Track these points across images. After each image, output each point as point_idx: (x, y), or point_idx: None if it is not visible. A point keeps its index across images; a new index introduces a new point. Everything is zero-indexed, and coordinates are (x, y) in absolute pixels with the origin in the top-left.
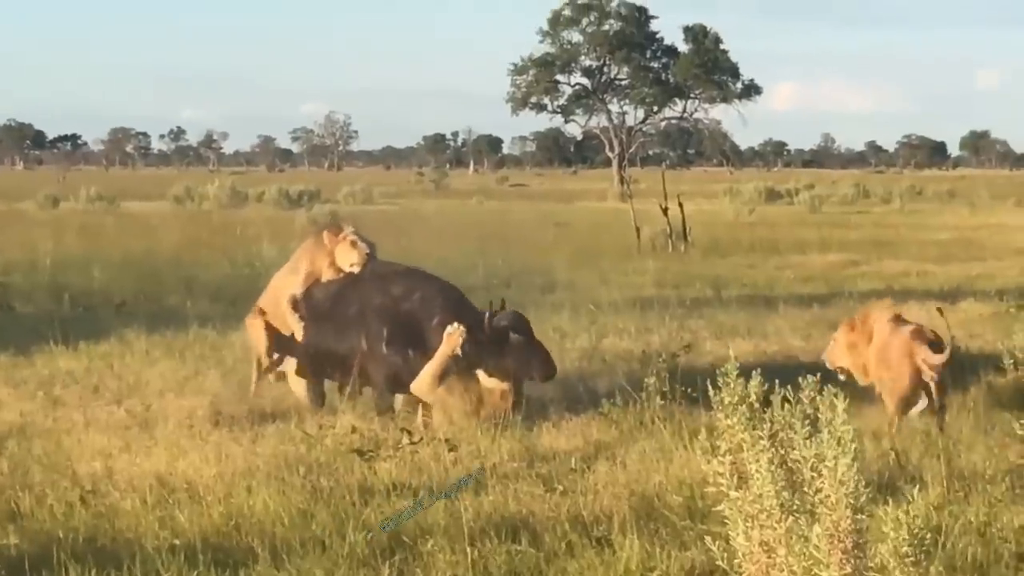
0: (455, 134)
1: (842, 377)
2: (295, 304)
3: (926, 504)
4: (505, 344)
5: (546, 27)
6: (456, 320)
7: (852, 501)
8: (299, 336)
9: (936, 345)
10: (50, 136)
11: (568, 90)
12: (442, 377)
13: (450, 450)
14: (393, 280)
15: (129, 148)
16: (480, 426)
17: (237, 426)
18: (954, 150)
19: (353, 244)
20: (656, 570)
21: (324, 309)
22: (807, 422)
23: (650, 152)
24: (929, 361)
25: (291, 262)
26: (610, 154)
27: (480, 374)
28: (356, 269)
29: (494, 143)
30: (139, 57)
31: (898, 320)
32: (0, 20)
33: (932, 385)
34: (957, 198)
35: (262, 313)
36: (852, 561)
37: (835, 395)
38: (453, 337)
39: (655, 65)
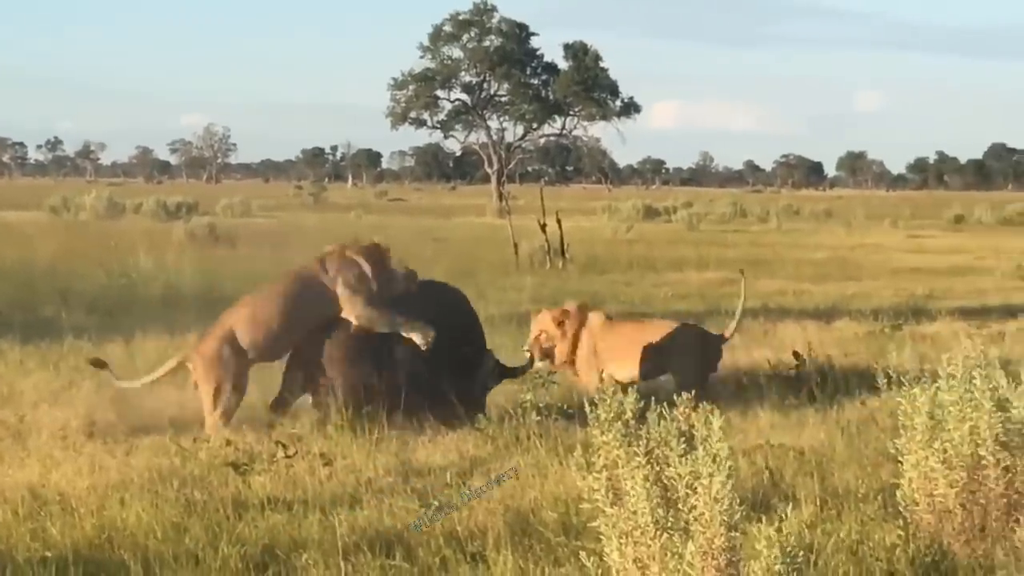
0: (334, 148)
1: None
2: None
3: (799, 522)
4: None
5: (427, 42)
6: None
7: (726, 519)
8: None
9: None
10: None
11: (448, 106)
12: None
13: (325, 464)
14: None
15: (5, 158)
16: (355, 441)
17: (111, 438)
18: (831, 170)
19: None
20: None
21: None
22: (683, 439)
23: (529, 168)
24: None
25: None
26: (489, 170)
27: None
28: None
29: (373, 157)
30: (16, 65)
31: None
32: None
33: None
34: (833, 218)
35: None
36: None
37: (711, 412)
38: None
39: (535, 82)
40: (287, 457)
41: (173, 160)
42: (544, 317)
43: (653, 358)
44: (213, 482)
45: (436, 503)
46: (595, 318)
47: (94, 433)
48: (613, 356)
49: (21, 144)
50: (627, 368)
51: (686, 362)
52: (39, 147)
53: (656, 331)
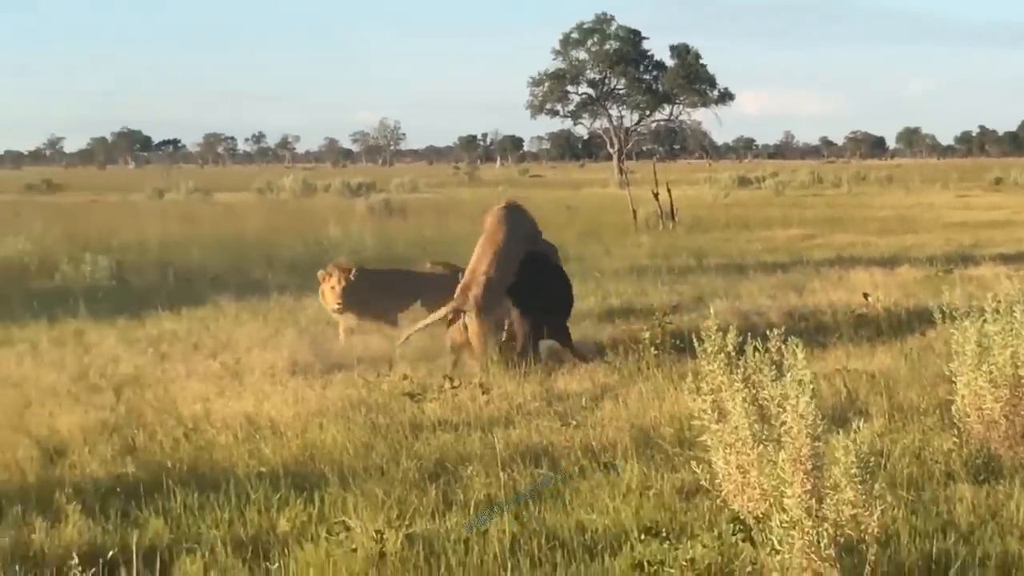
0: (484, 135)
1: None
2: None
3: (871, 433)
4: None
5: (558, 47)
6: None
7: (811, 431)
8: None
9: None
10: (155, 140)
11: (576, 98)
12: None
13: (483, 392)
14: None
15: (220, 150)
16: (507, 373)
17: (310, 374)
18: (892, 143)
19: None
20: (652, 488)
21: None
22: (774, 367)
23: (643, 148)
24: None
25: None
26: (611, 150)
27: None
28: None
29: (516, 142)
30: (228, 73)
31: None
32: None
33: None
34: (894, 182)
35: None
36: (811, 480)
37: (796, 345)
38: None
39: (647, 77)
40: (453, 388)
41: (355, 148)
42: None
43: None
44: (394, 408)
45: (574, 422)
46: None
47: (296, 371)
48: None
49: (232, 138)
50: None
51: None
52: (246, 140)
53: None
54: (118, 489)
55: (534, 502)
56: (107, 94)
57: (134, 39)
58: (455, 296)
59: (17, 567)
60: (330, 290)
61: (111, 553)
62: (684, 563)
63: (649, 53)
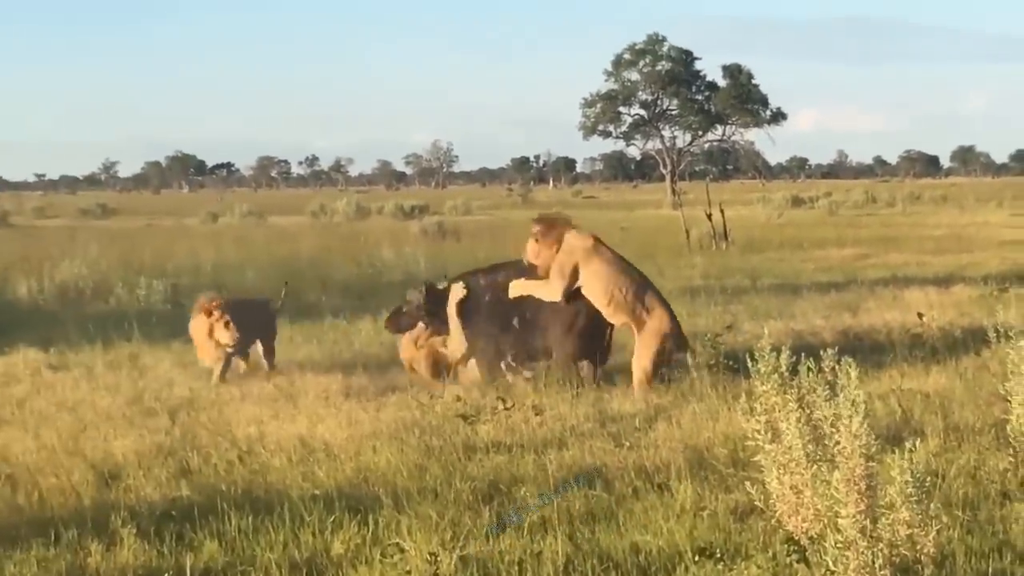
0: (537, 156)
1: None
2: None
3: (926, 452)
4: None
5: (610, 68)
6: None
7: (865, 451)
8: None
9: None
10: (209, 164)
11: (629, 119)
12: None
13: (536, 414)
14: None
15: (273, 173)
16: (560, 394)
17: (364, 397)
18: (946, 162)
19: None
20: (706, 509)
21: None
22: (827, 387)
23: (696, 168)
24: None
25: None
26: (664, 171)
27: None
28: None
29: (569, 163)
30: (281, 97)
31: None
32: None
33: None
34: (949, 201)
35: None
36: (865, 500)
37: (850, 365)
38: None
39: (699, 98)
40: (506, 409)
41: (408, 171)
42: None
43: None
44: (447, 430)
45: (627, 444)
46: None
47: (350, 394)
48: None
49: (285, 161)
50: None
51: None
52: (300, 163)
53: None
54: (173, 512)
55: (587, 523)
56: (161, 118)
57: (187, 64)
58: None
59: None
60: (224, 327)
61: None
62: None
63: (701, 73)
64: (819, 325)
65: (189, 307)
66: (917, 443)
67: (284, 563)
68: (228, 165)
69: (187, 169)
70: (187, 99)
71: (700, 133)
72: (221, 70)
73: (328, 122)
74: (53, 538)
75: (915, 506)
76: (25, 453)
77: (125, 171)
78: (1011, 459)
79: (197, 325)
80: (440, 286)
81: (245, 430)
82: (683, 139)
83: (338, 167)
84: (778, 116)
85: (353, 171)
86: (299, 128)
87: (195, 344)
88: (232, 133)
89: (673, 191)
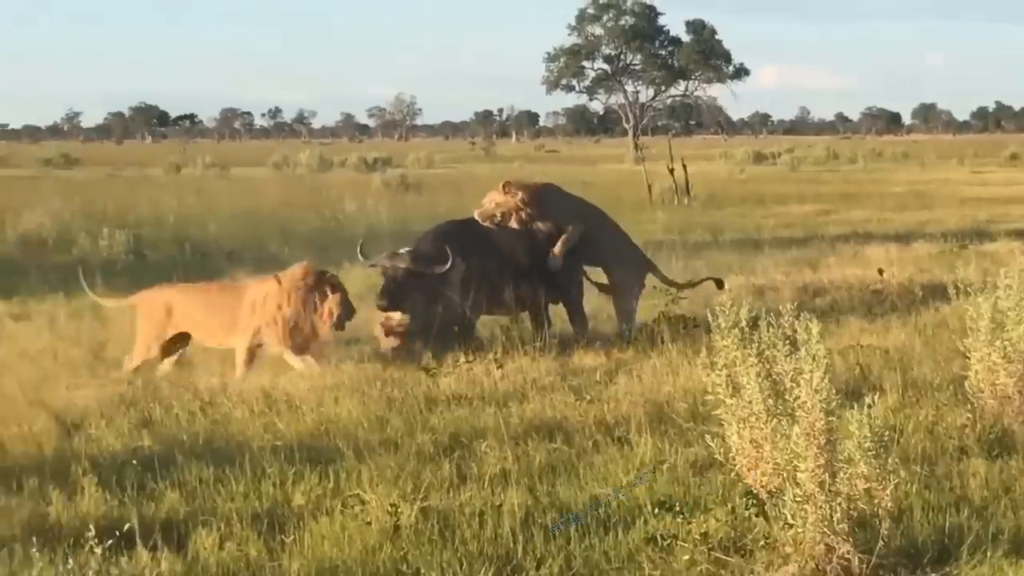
0: (500, 110)
1: None
2: None
3: (885, 408)
4: None
5: (573, 22)
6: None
7: (825, 406)
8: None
9: None
10: (172, 115)
11: (592, 74)
12: None
13: (498, 367)
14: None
15: (236, 125)
16: (522, 348)
17: (327, 349)
18: (907, 119)
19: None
20: (666, 463)
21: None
22: (788, 342)
23: (658, 124)
24: None
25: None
26: (626, 126)
27: None
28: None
29: (532, 117)
30: (245, 48)
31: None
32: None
33: None
34: (910, 158)
35: None
36: (825, 455)
37: (810, 320)
38: None
39: (662, 53)
40: (468, 362)
41: (371, 123)
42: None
43: None
44: (408, 383)
45: (588, 397)
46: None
47: None
48: None
49: (248, 113)
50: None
51: None
52: (263, 115)
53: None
54: (134, 462)
55: (547, 476)
56: (124, 69)
57: (151, 14)
58: None
59: (34, 539)
60: (336, 305)
61: (127, 526)
62: (697, 537)
63: (665, 28)
64: (780, 280)
65: (151, 258)
66: (876, 398)
67: (245, 514)
68: (191, 116)
69: (150, 120)
70: (151, 50)
71: (663, 88)
72: (185, 21)
73: (291, 74)
74: (14, 487)
75: (873, 461)
76: None
77: (88, 121)
78: (969, 415)
79: (278, 298)
80: (402, 251)
81: (207, 381)
82: (646, 94)
83: (301, 119)
84: (741, 72)
85: (316, 123)
86: (262, 80)
87: (253, 323)
88: (196, 84)
89: (636, 146)
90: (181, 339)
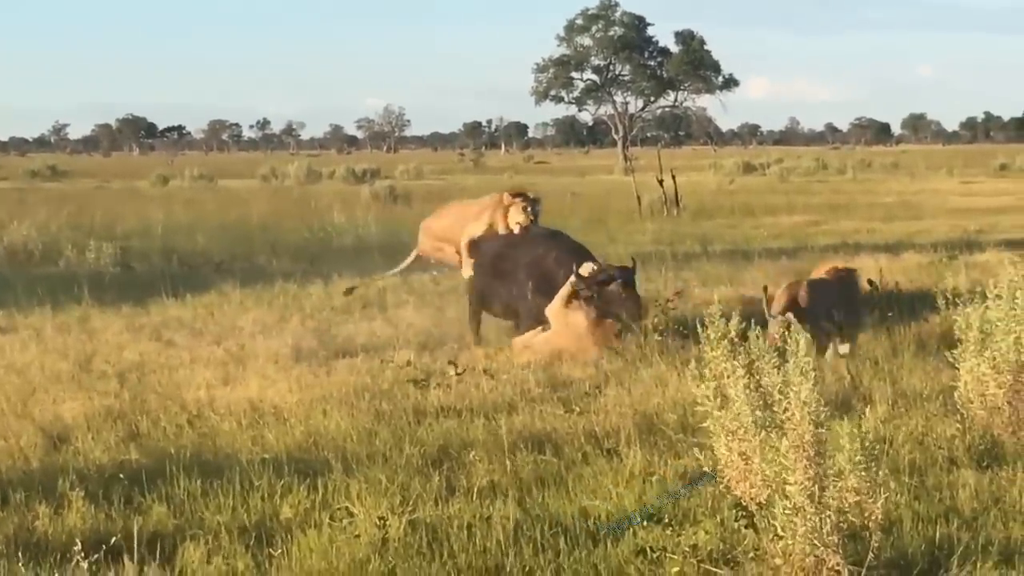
0: (489, 121)
1: None
2: (471, 246)
3: (875, 419)
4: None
5: (562, 33)
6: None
7: (814, 418)
8: (465, 273)
9: None
10: (160, 127)
11: (581, 84)
12: (567, 303)
13: (489, 378)
14: (539, 242)
15: (224, 136)
16: (512, 359)
17: (314, 361)
18: (897, 130)
19: (523, 209)
20: (655, 474)
21: (490, 258)
22: (776, 354)
23: (648, 134)
24: None
25: (476, 210)
26: (615, 136)
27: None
28: (517, 229)
29: (521, 128)
30: (233, 60)
31: None
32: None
33: None
34: (899, 169)
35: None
36: (814, 467)
37: (799, 332)
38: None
39: (652, 64)
40: (457, 374)
41: (359, 135)
42: None
43: None
44: (397, 395)
45: (577, 409)
46: None
47: (300, 358)
48: None
49: (237, 125)
50: None
51: None
52: (251, 127)
53: None
54: (121, 476)
55: (537, 488)
56: (112, 81)
57: (139, 26)
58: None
59: (20, 553)
60: (522, 211)
61: (114, 539)
62: (687, 549)
63: (654, 39)
64: (769, 292)
65: (139, 270)
66: (866, 410)
67: (233, 527)
68: (179, 128)
69: (137, 132)
70: (138, 62)
71: (652, 99)
72: (172, 33)
73: (280, 86)
74: (1, 501)
75: (863, 473)
76: None
77: (75, 133)
78: (958, 426)
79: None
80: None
81: (195, 394)
82: (635, 105)
83: (289, 131)
84: (730, 82)
85: (305, 135)
86: (250, 92)
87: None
88: (183, 96)
89: (625, 157)
90: None
